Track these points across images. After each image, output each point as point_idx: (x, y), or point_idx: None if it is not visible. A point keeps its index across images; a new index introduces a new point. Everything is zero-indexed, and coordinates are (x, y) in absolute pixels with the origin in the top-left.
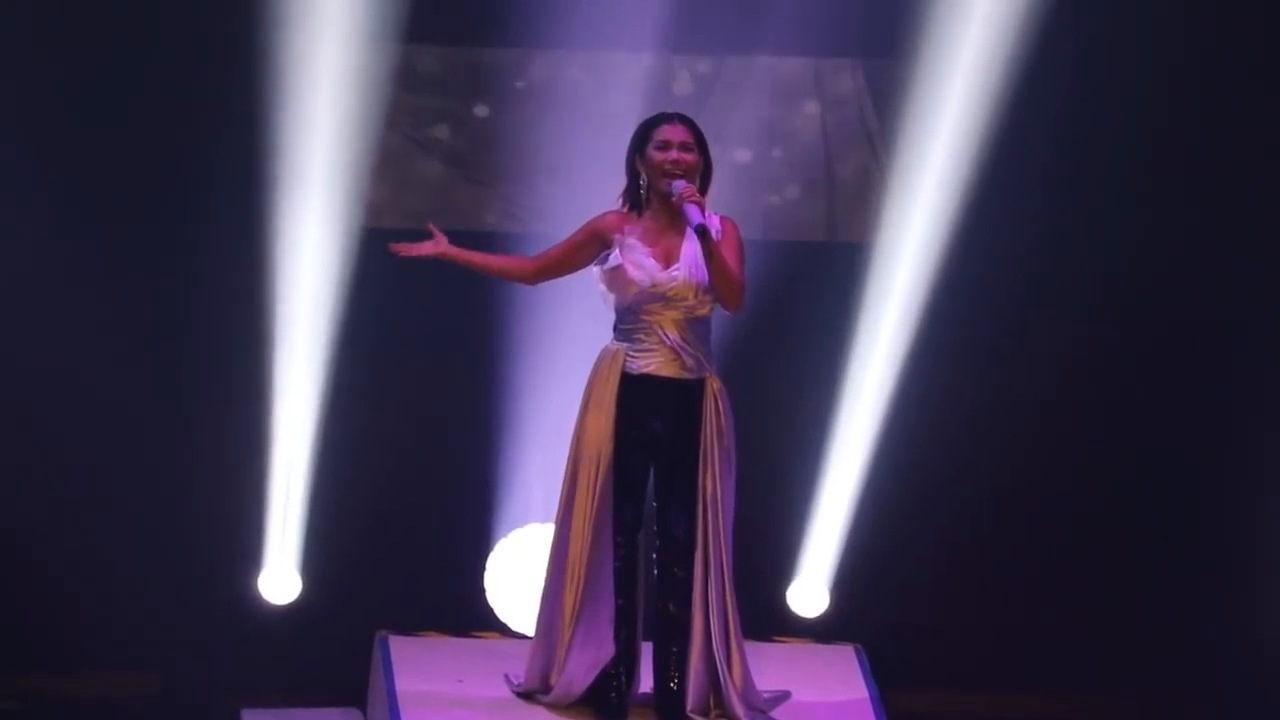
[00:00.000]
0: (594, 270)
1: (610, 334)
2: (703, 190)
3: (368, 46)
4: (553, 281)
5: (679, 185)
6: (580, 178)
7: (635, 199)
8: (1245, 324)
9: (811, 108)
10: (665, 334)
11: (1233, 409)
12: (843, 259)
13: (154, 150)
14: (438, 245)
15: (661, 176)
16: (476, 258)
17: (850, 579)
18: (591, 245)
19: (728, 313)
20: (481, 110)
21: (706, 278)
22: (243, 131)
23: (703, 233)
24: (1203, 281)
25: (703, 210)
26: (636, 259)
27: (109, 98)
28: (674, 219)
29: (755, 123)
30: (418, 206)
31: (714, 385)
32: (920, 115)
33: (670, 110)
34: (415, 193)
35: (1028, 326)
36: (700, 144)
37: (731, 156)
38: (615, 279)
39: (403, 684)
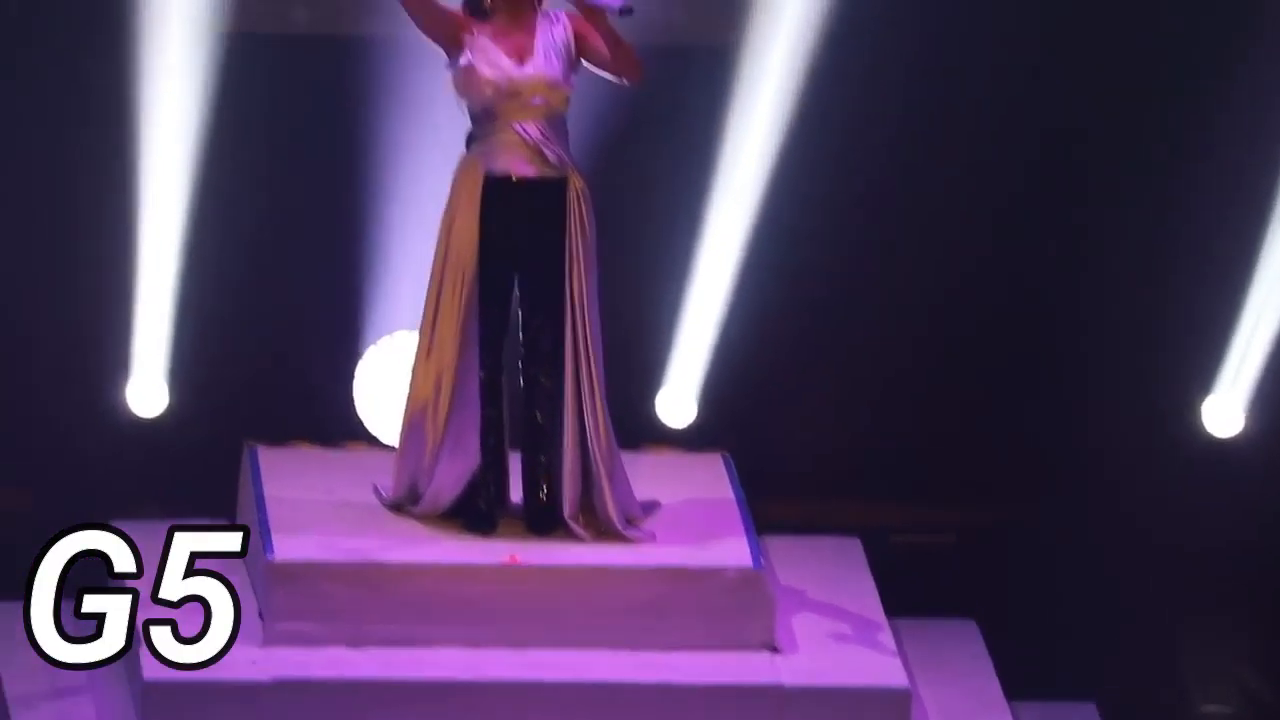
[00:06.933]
0: (446, 75)
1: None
2: None
3: None
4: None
5: None
6: None
7: (477, 8)
8: (1109, 141)
9: None
10: (526, 130)
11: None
12: (706, 61)
13: None
14: None
15: None
16: None
17: (718, 388)
18: (448, 26)
19: (632, 85)
20: None
21: (559, 73)
22: None
23: (627, 11)
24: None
25: None
26: (490, 58)
27: None
28: (520, 17)
29: None
30: (287, 10)
31: (577, 184)
32: None
33: None
34: None
35: (903, 131)
36: None
37: None
38: (469, 80)
39: (271, 495)
